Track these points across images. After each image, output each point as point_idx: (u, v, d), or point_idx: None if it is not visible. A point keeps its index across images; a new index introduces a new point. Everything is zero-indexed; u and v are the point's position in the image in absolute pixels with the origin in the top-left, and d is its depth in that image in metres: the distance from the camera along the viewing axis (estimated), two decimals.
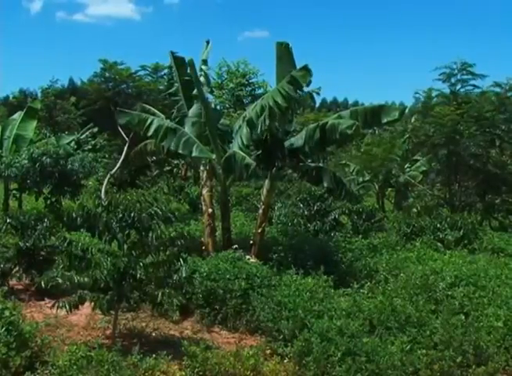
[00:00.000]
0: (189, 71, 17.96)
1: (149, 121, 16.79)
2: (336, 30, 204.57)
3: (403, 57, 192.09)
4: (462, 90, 31.18)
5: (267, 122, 15.86)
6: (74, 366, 9.45)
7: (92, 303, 11.66)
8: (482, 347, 10.69)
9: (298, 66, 16.03)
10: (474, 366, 10.30)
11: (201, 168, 18.33)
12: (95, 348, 10.21)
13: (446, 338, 10.78)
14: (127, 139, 28.89)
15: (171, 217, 12.09)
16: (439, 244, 21.26)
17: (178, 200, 31.76)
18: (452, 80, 30.86)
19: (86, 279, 11.34)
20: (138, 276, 11.32)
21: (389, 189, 38.06)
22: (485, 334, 11.07)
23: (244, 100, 35.28)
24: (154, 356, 10.17)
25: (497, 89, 30.75)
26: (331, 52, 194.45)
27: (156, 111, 19.16)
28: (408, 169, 35.22)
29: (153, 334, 12.69)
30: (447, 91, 31.64)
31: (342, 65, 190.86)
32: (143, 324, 13.05)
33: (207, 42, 19.10)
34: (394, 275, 15.73)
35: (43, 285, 12.01)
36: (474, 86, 30.89)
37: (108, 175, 28.04)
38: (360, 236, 21.20)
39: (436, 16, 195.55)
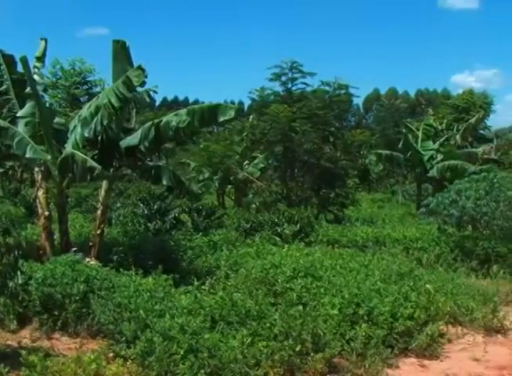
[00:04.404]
0: (20, 69, 17.26)
1: None
2: (179, 30, 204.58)
3: (245, 56, 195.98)
4: (294, 88, 32.41)
5: (102, 122, 15.61)
6: None
7: None
8: (320, 335, 11.09)
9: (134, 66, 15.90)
10: (312, 354, 10.67)
11: (36, 169, 17.66)
12: None
13: (285, 328, 11.09)
14: None
15: (10, 228, 11.64)
16: (277, 238, 21.95)
17: (14, 203, 30.51)
18: (283, 78, 32.01)
19: None
20: None
21: (229, 186, 38.75)
22: (322, 323, 11.48)
23: (81, 99, 34.48)
24: None
25: (327, 88, 32.27)
26: (173, 51, 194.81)
27: None
28: (247, 166, 36.04)
29: None
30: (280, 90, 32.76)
31: (183, 64, 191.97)
32: None
33: (43, 40, 18.41)
34: (234, 270, 16.04)
35: None
36: (305, 84, 32.25)
37: None
38: (200, 233, 21.39)
39: (271, 16, 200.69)
